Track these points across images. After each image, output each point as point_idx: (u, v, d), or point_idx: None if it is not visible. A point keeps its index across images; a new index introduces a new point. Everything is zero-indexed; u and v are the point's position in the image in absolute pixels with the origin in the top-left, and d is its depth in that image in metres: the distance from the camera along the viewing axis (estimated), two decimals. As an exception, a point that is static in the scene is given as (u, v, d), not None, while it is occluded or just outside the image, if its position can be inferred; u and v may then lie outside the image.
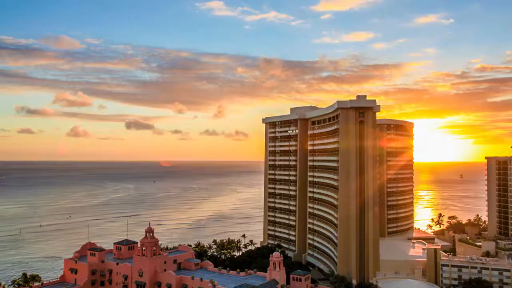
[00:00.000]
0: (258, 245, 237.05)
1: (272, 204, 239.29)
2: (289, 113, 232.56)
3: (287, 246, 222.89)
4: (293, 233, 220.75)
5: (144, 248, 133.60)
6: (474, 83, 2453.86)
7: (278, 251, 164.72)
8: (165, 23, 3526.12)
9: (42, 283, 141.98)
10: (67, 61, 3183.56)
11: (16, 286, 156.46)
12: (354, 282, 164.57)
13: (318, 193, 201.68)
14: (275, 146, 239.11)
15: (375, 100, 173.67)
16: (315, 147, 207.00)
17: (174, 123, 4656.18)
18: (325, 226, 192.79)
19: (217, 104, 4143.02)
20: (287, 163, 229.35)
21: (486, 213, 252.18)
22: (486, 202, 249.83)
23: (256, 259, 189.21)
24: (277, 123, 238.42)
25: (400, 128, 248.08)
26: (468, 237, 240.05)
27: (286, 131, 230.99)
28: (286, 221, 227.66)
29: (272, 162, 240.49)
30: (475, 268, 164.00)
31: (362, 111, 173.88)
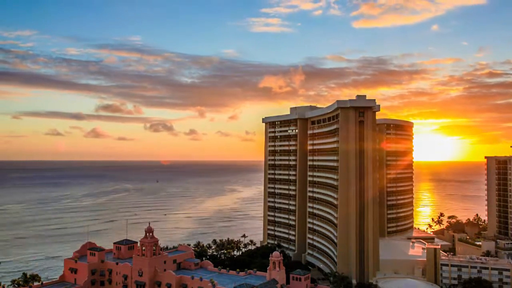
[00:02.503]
0: (258, 245, 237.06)
1: (272, 204, 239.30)
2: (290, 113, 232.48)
3: (287, 245, 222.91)
4: (293, 232, 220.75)
5: (144, 248, 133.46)
6: (484, 87, 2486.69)
7: (278, 250, 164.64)
8: (218, 35, 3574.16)
9: (42, 283, 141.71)
10: (115, 68, 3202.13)
11: (16, 286, 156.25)
12: (354, 281, 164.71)
13: (318, 192, 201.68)
14: (275, 145, 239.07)
15: (374, 100, 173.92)
16: (315, 147, 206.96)
17: (191, 125, 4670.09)
18: (325, 225, 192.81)
19: (236, 106, 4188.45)
20: (287, 162, 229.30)
21: (486, 212, 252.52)
22: (486, 202, 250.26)
23: (256, 259, 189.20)
24: (276, 122, 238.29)
25: (400, 128, 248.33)
26: (467, 237, 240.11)
27: (286, 131, 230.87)
28: (286, 221, 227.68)
29: (272, 162, 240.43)
30: (475, 267, 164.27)
31: (362, 111, 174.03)
